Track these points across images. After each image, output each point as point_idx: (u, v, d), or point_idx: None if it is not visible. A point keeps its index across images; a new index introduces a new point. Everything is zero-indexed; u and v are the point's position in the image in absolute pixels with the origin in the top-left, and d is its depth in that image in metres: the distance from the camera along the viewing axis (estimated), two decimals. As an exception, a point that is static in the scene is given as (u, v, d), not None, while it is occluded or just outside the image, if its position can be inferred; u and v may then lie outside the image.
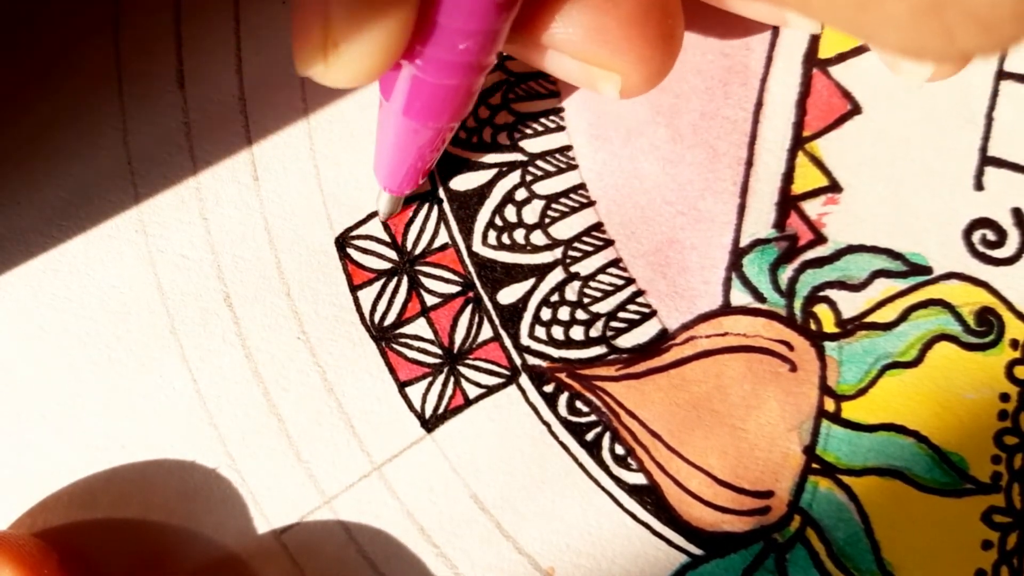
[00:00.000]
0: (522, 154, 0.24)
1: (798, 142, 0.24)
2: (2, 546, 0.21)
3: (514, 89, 0.24)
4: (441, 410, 0.23)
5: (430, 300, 0.23)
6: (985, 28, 0.12)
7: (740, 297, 0.23)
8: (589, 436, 0.23)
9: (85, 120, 0.23)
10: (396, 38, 0.17)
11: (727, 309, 0.23)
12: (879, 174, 0.24)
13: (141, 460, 0.23)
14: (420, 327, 0.23)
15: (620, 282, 0.23)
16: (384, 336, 0.23)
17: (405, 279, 0.23)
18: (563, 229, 0.23)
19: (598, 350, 0.23)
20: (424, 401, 0.23)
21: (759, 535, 0.23)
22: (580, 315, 0.23)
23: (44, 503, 0.23)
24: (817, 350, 0.23)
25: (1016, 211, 0.24)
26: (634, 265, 0.23)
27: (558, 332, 0.23)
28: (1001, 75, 0.24)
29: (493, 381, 0.23)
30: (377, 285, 0.23)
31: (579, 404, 0.23)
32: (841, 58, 0.24)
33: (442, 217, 0.23)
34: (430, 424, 0.23)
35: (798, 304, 0.23)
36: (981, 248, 0.23)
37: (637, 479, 0.23)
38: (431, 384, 0.23)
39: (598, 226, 0.23)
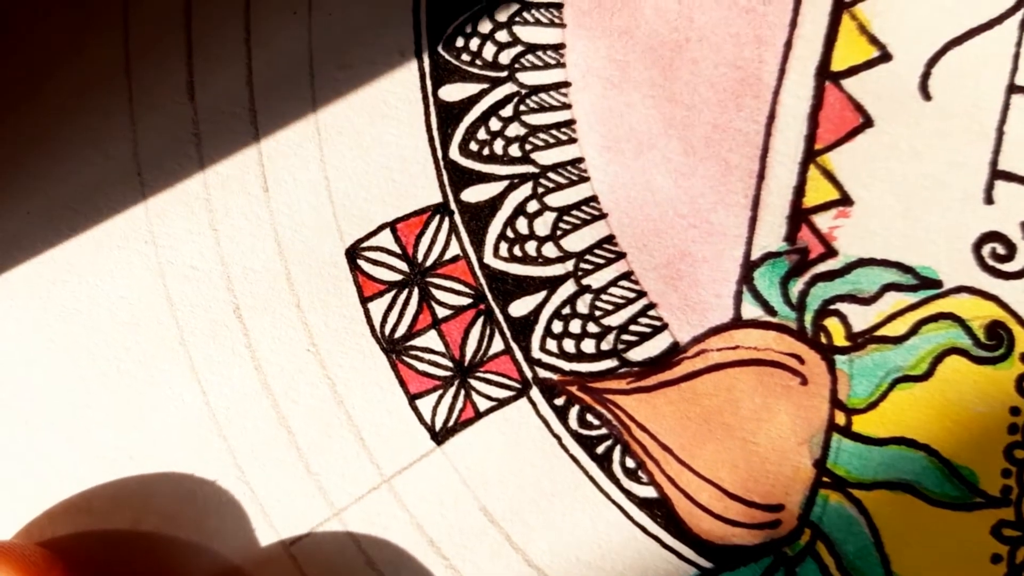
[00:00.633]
0: (534, 166, 0.24)
1: (810, 155, 0.23)
2: (8, 555, 0.21)
3: (525, 101, 0.23)
4: (451, 423, 0.23)
5: (441, 312, 0.23)
6: None
7: (751, 310, 0.23)
8: (600, 449, 0.23)
9: (95, 130, 0.23)
10: None
11: (738, 322, 0.23)
12: (890, 188, 0.24)
13: (150, 472, 0.23)
14: (431, 339, 0.23)
15: (631, 295, 0.23)
16: (394, 348, 0.23)
17: (416, 291, 0.23)
18: (575, 241, 0.23)
19: (609, 363, 0.23)
20: (434, 414, 0.23)
21: (769, 548, 0.23)
22: (591, 328, 0.23)
23: (50, 513, 0.23)
24: (828, 363, 0.23)
25: (1026, 225, 0.24)
26: (645, 278, 0.23)
27: (569, 345, 0.23)
28: (1012, 88, 0.24)
29: (504, 394, 0.23)
30: (388, 297, 0.23)
31: (590, 417, 0.23)
32: (853, 71, 0.24)
33: (453, 229, 0.23)
34: (440, 437, 0.23)
35: (809, 317, 0.23)
36: (991, 262, 0.23)
37: (647, 492, 0.23)
38: (441, 397, 0.23)
39: (610, 239, 0.23)
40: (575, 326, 0.23)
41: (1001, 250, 0.24)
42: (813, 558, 0.23)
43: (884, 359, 0.23)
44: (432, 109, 0.23)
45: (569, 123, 0.24)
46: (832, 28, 0.23)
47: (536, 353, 0.23)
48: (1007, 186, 0.24)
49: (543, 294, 0.23)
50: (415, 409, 0.23)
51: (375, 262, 0.23)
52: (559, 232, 0.23)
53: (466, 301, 0.23)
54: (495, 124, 0.23)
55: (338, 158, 0.23)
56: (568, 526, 0.23)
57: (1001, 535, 0.23)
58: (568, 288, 0.23)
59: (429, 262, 0.23)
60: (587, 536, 0.23)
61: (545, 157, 0.24)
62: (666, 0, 0.23)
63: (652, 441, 0.23)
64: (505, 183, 0.23)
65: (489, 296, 0.23)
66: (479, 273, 0.23)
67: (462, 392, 0.23)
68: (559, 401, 0.23)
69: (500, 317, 0.23)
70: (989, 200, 0.24)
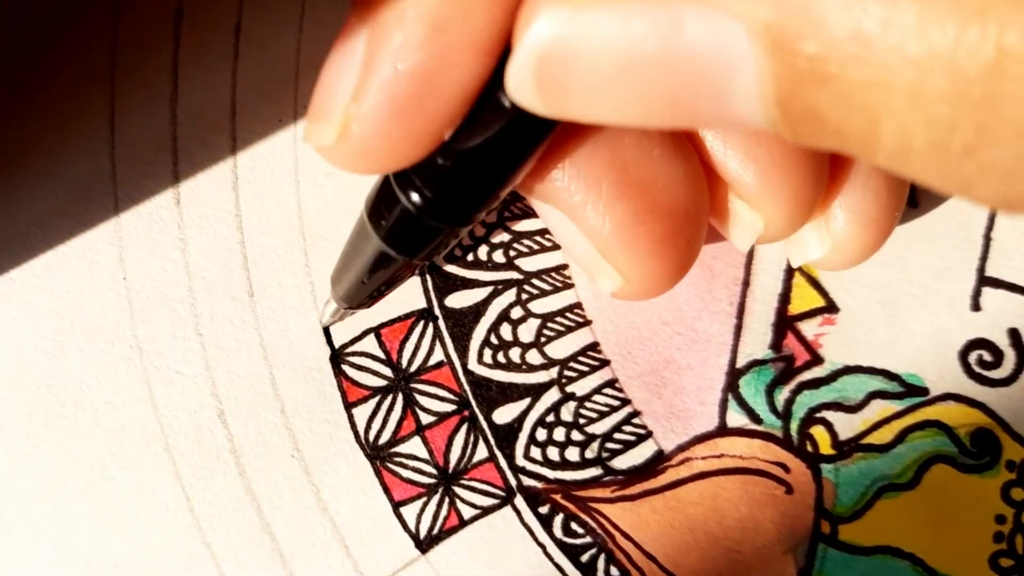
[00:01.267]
0: (518, 272, 0.23)
1: (795, 262, 0.23)
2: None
3: (510, 207, 0.23)
4: (435, 531, 0.23)
5: (425, 419, 0.23)
6: None
7: (736, 418, 0.23)
8: (584, 557, 0.23)
9: (80, 220, 0.23)
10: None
11: (723, 430, 0.23)
12: (876, 295, 0.23)
13: (134, 576, 0.23)
14: (415, 446, 0.23)
15: (616, 403, 0.23)
16: (379, 455, 0.23)
17: (400, 397, 0.23)
18: (559, 348, 0.23)
19: (594, 471, 0.23)
20: (419, 521, 0.23)
21: (754, 658, 0.23)
22: (576, 436, 0.23)
23: (35, 613, 0.23)
24: (813, 472, 0.23)
25: (1013, 332, 0.23)
26: (630, 385, 0.23)
27: (553, 453, 0.23)
28: (999, 194, 0.24)
29: (488, 502, 0.23)
30: (372, 403, 0.23)
31: (574, 526, 0.23)
32: (839, 177, 0.24)
33: (437, 334, 0.23)
34: (424, 545, 0.23)
35: (794, 426, 0.23)
36: (977, 369, 0.23)
37: (632, 600, 0.23)
38: (426, 504, 0.23)
39: (594, 346, 0.23)
40: (559, 434, 0.23)
41: (988, 357, 0.23)
42: (798, 669, 0.23)
43: (870, 467, 0.23)
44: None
45: (554, 230, 0.23)
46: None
47: (520, 461, 0.23)
48: (994, 292, 0.24)
49: (527, 401, 0.23)
50: (399, 516, 0.23)
51: (360, 367, 0.23)
52: (543, 339, 0.23)
53: (450, 408, 0.23)
54: (479, 230, 0.23)
55: (323, 263, 0.23)
56: (552, 633, 0.23)
57: (987, 646, 0.23)
58: (552, 395, 0.23)
59: (413, 368, 0.23)
60: (571, 643, 0.23)
61: (529, 263, 0.24)
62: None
63: (636, 550, 0.23)
64: (489, 289, 0.23)
65: (473, 403, 0.23)
66: (463, 379, 0.23)
67: (446, 500, 0.23)
68: (544, 509, 0.23)
69: (484, 424, 0.23)
70: (976, 307, 0.24)
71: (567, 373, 0.23)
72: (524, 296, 0.23)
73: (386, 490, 0.23)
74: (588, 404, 0.23)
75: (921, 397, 0.23)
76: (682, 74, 0.13)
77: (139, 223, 0.23)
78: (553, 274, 0.23)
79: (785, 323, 0.23)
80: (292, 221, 0.23)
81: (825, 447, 0.23)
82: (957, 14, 0.11)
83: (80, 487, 0.23)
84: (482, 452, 0.23)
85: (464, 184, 0.17)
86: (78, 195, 0.23)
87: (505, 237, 0.24)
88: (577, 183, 0.18)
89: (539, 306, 0.23)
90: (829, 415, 0.23)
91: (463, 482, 0.23)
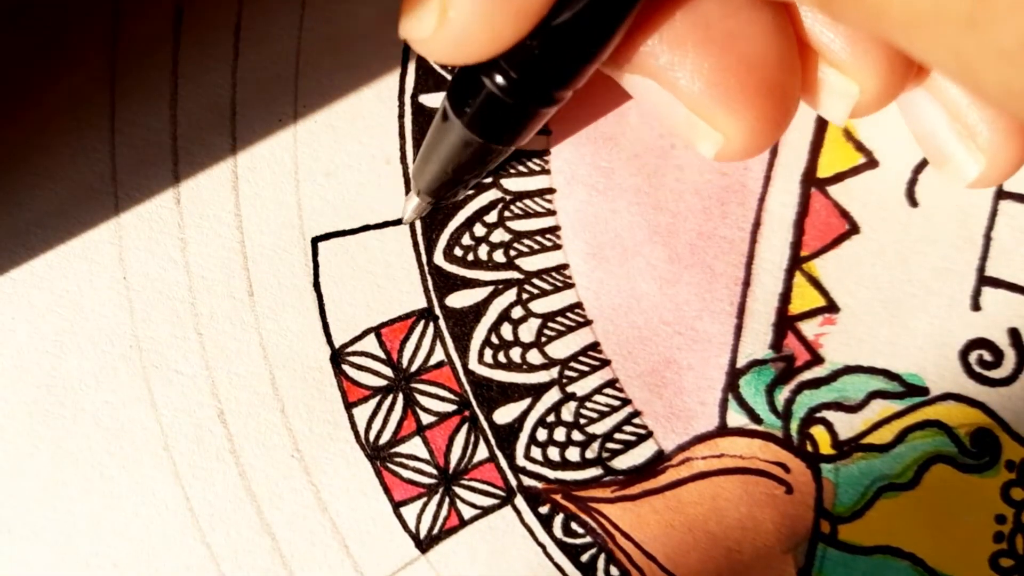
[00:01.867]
0: (518, 272, 0.23)
1: (796, 262, 0.23)
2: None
3: (510, 207, 0.23)
4: (436, 531, 0.23)
5: (425, 419, 0.23)
6: None
7: (736, 418, 0.23)
8: (584, 557, 0.23)
9: (80, 220, 0.23)
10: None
11: (723, 430, 0.23)
12: (876, 294, 0.23)
13: (134, 576, 0.23)
14: (415, 446, 0.23)
15: (616, 403, 0.23)
16: (379, 455, 0.23)
17: (400, 397, 0.23)
18: (559, 348, 0.23)
19: (594, 471, 0.23)
20: (419, 521, 0.23)
21: (754, 658, 0.23)
22: (576, 436, 0.23)
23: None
24: (813, 472, 0.23)
25: (1013, 331, 0.23)
26: (630, 385, 0.23)
27: (554, 453, 0.23)
28: (1000, 195, 0.24)
29: (488, 502, 0.23)
30: (372, 403, 0.23)
31: (574, 526, 0.23)
32: (839, 177, 0.24)
33: (438, 334, 0.23)
34: (424, 545, 0.23)
35: (794, 426, 0.23)
36: (978, 369, 0.23)
37: (632, 600, 0.23)
38: (426, 504, 0.23)
39: (594, 346, 0.23)
40: (560, 434, 0.23)
41: (988, 357, 0.23)
42: (798, 668, 0.23)
43: (870, 467, 0.23)
44: (417, 214, 0.23)
45: (554, 229, 0.23)
46: (818, 135, 0.23)
47: (521, 461, 0.23)
48: (994, 292, 0.24)
49: (528, 401, 0.23)
50: (399, 516, 0.23)
51: (360, 367, 0.23)
52: (544, 339, 0.23)
53: (451, 408, 0.23)
54: (480, 230, 0.23)
55: (326, 263, 0.23)
56: (552, 633, 0.23)
57: (987, 646, 0.23)
58: (553, 395, 0.23)
59: (414, 368, 0.23)
60: (571, 643, 0.23)
61: (530, 263, 0.23)
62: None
63: (636, 550, 0.23)
64: (490, 289, 0.23)
65: (474, 403, 0.23)
66: (464, 379, 0.23)
67: (447, 500, 0.23)
68: (544, 509, 0.23)
69: (485, 424, 0.23)
70: (976, 307, 0.24)
71: (568, 373, 0.23)
72: (525, 296, 0.23)
73: (386, 490, 0.23)
74: (588, 404, 0.23)
75: (921, 397, 0.23)
76: None
77: (139, 223, 0.23)
78: (553, 274, 0.23)
79: (785, 323, 0.23)
80: (292, 221, 0.23)
81: (825, 447, 0.23)
82: None
83: (80, 487, 0.23)
84: (482, 452, 0.23)
85: (551, 62, 0.17)
86: (78, 195, 0.23)
87: (505, 237, 0.23)
88: (661, 46, 0.17)
89: (540, 306, 0.23)
90: (829, 415, 0.23)
91: (463, 482, 0.23)
